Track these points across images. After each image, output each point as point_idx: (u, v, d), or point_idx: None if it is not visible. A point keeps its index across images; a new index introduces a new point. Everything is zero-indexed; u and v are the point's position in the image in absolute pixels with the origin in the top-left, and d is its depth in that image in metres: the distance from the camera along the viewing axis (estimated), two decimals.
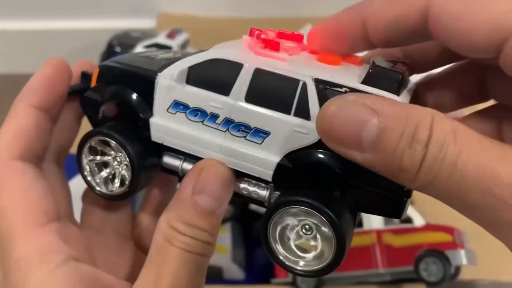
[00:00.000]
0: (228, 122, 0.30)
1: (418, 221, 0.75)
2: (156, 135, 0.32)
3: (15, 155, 0.30)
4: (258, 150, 0.29)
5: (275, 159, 0.29)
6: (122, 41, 1.04)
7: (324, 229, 0.28)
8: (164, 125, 0.32)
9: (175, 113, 0.31)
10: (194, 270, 0.29)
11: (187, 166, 0.32)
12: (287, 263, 0.29)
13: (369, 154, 0.23)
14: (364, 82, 0.27)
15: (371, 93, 0.26)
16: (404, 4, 0.26)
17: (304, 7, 1.23)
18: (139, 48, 1.01)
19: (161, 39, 1.02)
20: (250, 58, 0.30)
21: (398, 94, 0.27)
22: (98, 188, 0.34)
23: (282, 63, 0.29)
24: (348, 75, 0.28)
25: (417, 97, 0.31)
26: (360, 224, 0.72)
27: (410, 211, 0.77)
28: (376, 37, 0.28)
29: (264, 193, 0.30)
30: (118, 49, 1.03)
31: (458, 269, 0.75)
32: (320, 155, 0.28)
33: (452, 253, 0.71)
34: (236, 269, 0.78)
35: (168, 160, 0.32)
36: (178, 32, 1.04)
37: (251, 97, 0.29)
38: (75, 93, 0.35)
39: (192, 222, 0.29)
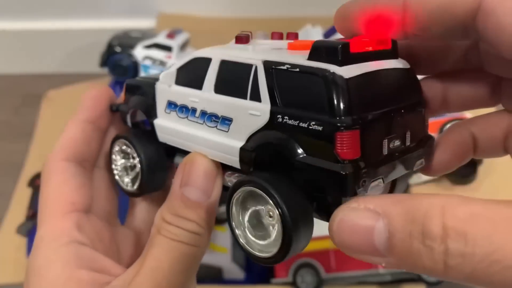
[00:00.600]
0: (203, 114, 0.31)
1: None
2: (161, 136, 0.35)
3: (62, 157, 0.35)
4: (226, 138, 0.30)
5: (238, 144, 0.29)
6: (122, 41, 1.04)
7: (276, 212, 0.26)
8: (163, 125, 0.34)
9: (170, 113, 0.34)
10: (179, 258, 0.30)
11: None
12: (247, 247, 0.28)
13: (389, 258, 0.22)
14: (310, 57, 0.26)
15: (306, 65, 0.25)
16: None
17: (304, 7, 1.23)
18: (139, 48, 1.01)
19: (161, 39, 1.02)
20: (219, 53, 0.31)
21: (340, 65, 0.25)
22: (121, 185, 0.37)
23: (242, 52, 0.30)
24: (303, 55, 0.27)
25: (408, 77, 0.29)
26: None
27: None
28: (415, 25, 0.25)
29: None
30: (118, 49, 1.03)
31: None
32: (270, 135, 0.27)
33: None
34: (236, 269, 0.78)
35: (177, 160, 0.34)
36: (178, 32, 1.04)
37: (219, 88, 0.30)
38: (117, 110, 0.39)
39: (179, 212, 0.30)
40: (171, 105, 0.33)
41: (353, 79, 0.25)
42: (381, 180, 0.25)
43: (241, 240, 0.28)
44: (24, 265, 0.51)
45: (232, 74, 0.30)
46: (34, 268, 0.31)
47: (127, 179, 0.37)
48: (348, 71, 0.25)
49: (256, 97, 0.28)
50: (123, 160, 0.37)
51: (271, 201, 0.26)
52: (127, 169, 0.37)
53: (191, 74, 0.32)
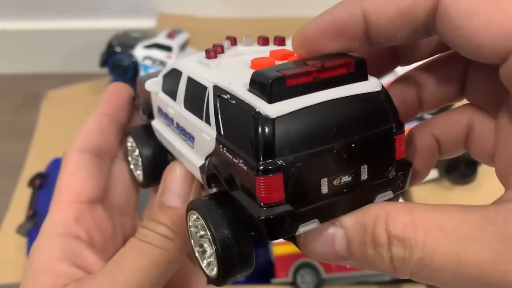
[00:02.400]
0: (177, 126, 0.32)
1: None
2: (157, 136, 0.36)
3: (77, 148, 0.36)
4: (192, 153, 0.30)
5: (199, 163, 0.29)
6: (122, 41, 1.04)
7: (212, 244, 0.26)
8: (157, 128, 0.35)
9: (160, 117, 0.35)
10: (144, 260, 0.30)
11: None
12: (201, 264, 0.28)
13: (351, 261, 0.24)
14: (249, 88, 0.25)
15: (241, 99, 0.24)
16: None
17: (304, 7, 1.23)
18: (139, 48, 1.01)
19: (161, 39, 1.02)
20: (188, 67, 0.30)
21: (269, 102, 0.23)
22: (135, 176, 0.38)
23: (205, 71, 0.29)
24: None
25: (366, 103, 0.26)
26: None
27: None
28: (378, 32, 0.25)
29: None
30: (118, 49, 1.03)
31: None
32: (216, 162, 0.26)
33: None
34: None
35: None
36: (178, 32, 1.04)
37: (186, 103, 0.30)
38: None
39: (153, 217, 0.32)
40: (160, 110, 0.34)
41: (283, 117, 0.23)
42: (316, 221, 0.24)
43: (199, 258, 0.28)
44: (24, 265, 0.51)
45: (194, 92, 0.29)
46: (30, 254, 0.33)
47: (138, 171, 0.38)
48: (278, 109, 0.23)
49: (208, 120, 0.27)
50: (136, 152, 0.38)
51: (208, 232, 0.26)
52: (138, 161, 0.38)
53: (170, 84, 0.32)
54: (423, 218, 0.22)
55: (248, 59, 0.27)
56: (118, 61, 1.02)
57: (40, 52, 1.31)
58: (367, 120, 0.25)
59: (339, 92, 0.24)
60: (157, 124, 0.35)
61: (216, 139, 0.26)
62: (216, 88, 0.26)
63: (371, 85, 0.25)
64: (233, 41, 0.31)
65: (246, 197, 0.24)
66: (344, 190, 0.24)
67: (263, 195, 0.23)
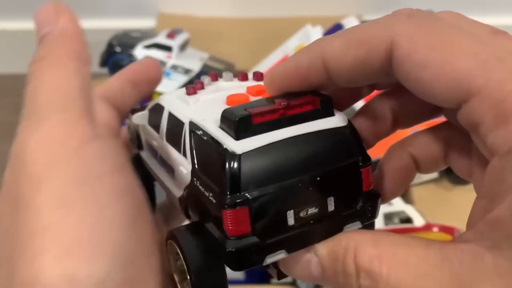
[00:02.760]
0: (161, 159, 0.32)
1: (418, 221, 0.75)
2: (145, 165, 0.36)
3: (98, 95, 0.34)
4: (172, 184, 0.31)
5: (178, 194, 0.30)
6: (122, 41, 1.04)
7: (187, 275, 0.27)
8: (144, 158, 0.36)
9: (147, 148, 0.36)
10: None
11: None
12: None
13: (327, 285, 0.25)
14: (220, 125, 0.26)
15: (209, 137, 0.25)
16: (366, 45, 0.24)
17: (304, 7, 1.23)
18: (139, 48, 1.01)
19: (161, 39, 1.02)
20: (169, 103, 0.32)
21: (236, 139, 0.24)
22: None
23: (184, 106, 0.30)
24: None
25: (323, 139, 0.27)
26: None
27: (410, 211, 0.77)
28: (339, 79, 0.26)
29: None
30: (118, 49, 1.03)
31: None
32: (192, 192, 0.27)
33: None
34: None
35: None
36: (178, 32, 1.04)
37: (168, 137, 0.31)
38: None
39: None
40: (146, 142, 0.35)
41: (248, 154, 0.24)
42: (283, 252, 0.25)
43: (178, 285, 0.29)
44: None
45: (174, 127, 0.30)
46: None
47: None
48: (244, 145, 0.24)
49: (184, 154, 0.28)
50: None
51: (184, 264, 0.27)
52: None
53: (154, 117, 0.33)
54: (388, 252, 0.23)
55: (225, 95, 0.28)
56: (118, 61, 1.02)
57: None
58: (333, 154, 0.26)
59: (304, 128, 0.25)
60: (145, 155, 0.36)
61: (192, 171, 0.27)
62: (191, 124, 0.28)
63: (336, 120, 0.26)
64: (214, 77, 0.33)
65: (215, 229, 0.25)
66: (311, 222, 0.25)
67: (230, 227, 0.24)
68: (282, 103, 0.25)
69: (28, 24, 1.42)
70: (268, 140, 0.25)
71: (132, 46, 1.02)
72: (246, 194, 0.24)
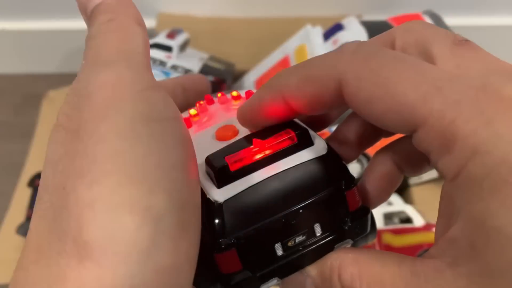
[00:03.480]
0: None
1: (418, 221, 0.75)
2: None
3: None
4: None
5: None
6: None
7: None
8: None
9: None
10: None
11: None
12: None
13: None
14: (206, 171, 0.27)
15: (205, 188, 0.26)
16: (317, 84, 0.25)
17: (304, 7, 1.23)
18: None
19: (161, 39, 1.02)
20: None
21: (218, 187, 0.26)
22: None
23: None
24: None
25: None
26: None
27: (410, 211, 0.77)
28: (301, 110, 0.27)
29: None
30: None
31: None
32: None
33: None
34: None
35: None
36: (178, 32, 1.04)
37: None
38: None
39: None
40: None
41: (230, 200, 0.25)
42: (275, 279, 0.27)
43: None
44: None
45: None
46: None
47: None
48: (226, 193, 0.26)
49: None
50: None
51: None
52: None
53: None
54: (366, 271, 0.24)
55: (216, 128, 0.30)
56: None
57: (40, 52, 1.31)
58: (314, 184, 0.27)
59: (283, 165, 0.27)
60: None
61: None
62: None
63: (315, 150, 0.27)
64: (210, 101, 0.34)
65: (213, 269, 0.27)
66: (300, 248, 0.27)
67: (223, 268, 0.26)
68: (257, 147, 0.27)
69: (28, 24, 1.41)
70: (247, 184, 0.26)
71: None
72: (232, 238, 0.25)
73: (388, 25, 0.89)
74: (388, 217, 0.76)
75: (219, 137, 0.29)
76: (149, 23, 1.25)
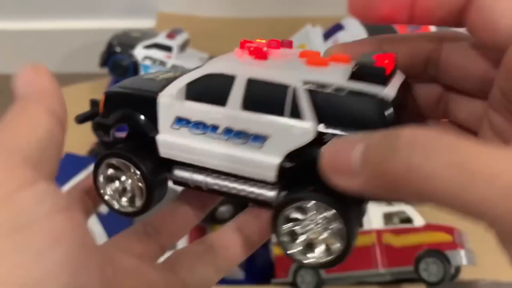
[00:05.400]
0: (228, 131, 0.32)
1: (418, 221, 0.75)
2: (164, 151, 0.34)
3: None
4: (259, 154, 0.31)
5: (276, 160, 0.30)
6: (122, 41, 1.04)
7: (334, 223, 0.29)
8: (169, 141, 0.33)
9: (179, 129, 0.33)
10: None
11: (197, 177, 0.34)
12: (297, 257, 0.30)
13: (361, 174, 0.24)
14: (351, 78, 0.28)
15: (355, 90, 0.28)
16: None
17: (304, 7, 1.23)
18: (139, 48, 1.01)
19: (161, 39, 1.02)
20: (242, 69, 0.31)
21: (384, 85, 0.28)
22: (116, 206, 0.35)
23: (271, 70, 0.31)
24: (336, 74, 0.29)
25: (409, 88, 0.32)
26: (360, 224, 0.72)
27: (410, 211, 0.77)
28: (421, 9, 0.28)
29: (272, 194, 0.32)
30: (118, 49, 1.03)
31: (458, 269, 0.75)
32: (315, 152, 0.28)
33: (452, 253, 0.71)
34: (236, 269, 0.78)
35: (178, 173, 0.34)
36: (178, 32, 1.04)
37: (247, 105, 0.31)
38: (85, 120, 0.37)
39: None
40: (182, 121, 0.33)
41: (394, 98, 0.28)
42: None
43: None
44: None
45: (263, 93, 0.31)
46: None
47: (124, 200, 0.35)
48: (389, 92, 0.28)
49: (296, 115, 0.30)
50: (116, 183, 0.35)
51: (337, 213, 0.29)
52: (118, 190, 0.35)
53: (207, 90, 0.32)
54: (450, 134, 0.23)
55: (294, 58, 0.32)
56: (118, 61, 1.02)
57: (40, 52, 1.31)
58: (411, 99, 0.31)
59: (399, 78, 0.30)
60: (172, 137, 0.33)
61: (318, 130, 0.29)
62: (309, 83, 0.29)
63: (402, 75, 0.31)
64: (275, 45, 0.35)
65: None
66: None
67: None
68: (385, 60, 0.29)
69: (28, 24, 1.42)
70: (395, 87, 0.29)
71: (132, 46, 1.02)
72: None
73: (389, 25, 0.89)
74: (388, 217, 0.76)
75: (311, 62, 0.31)
76: (149, 23, 1.25)
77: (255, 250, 0.35)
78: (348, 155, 0.25)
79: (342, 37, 0.90)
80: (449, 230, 0.73)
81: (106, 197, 0.35)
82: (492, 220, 0.22)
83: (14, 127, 0.25)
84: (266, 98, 0.31)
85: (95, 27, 1.27)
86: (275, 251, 0.78)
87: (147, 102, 0.34)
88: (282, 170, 0.30)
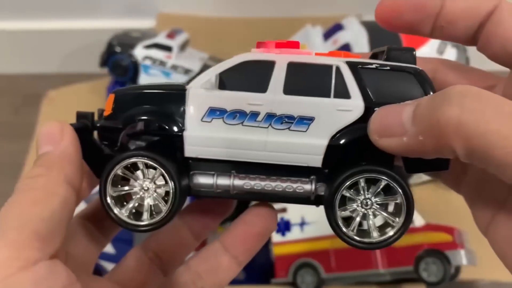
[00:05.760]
0: (270, 117, 0.31)
1: (418, 221, 0.75)
2: (191, 149, 0.32)
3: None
4: (304, 137, 0.31)
5: (324, 142, 0.31)
6: (122, 41, 1.04)
7: (395, 198, 0.31)
8: (200, 136, 0.31)
9: (211, 121, 0.31)
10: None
11: (222, 181, 0.32)
12: (355, 239, 0.31)
13: (411, 129, 0.26)
14: (387, 59, 0.31)
15: (396, 64, 0.31)
16: None
17: (304, 7, 1.23)
18: (139, 48, 1.01)
19: (161, 39, 1.02)
20: (279, 56, 0.32)
21: (415, 64, 0.31)
22: (128, 221, 0.31)
23: (309, 56, 0.32)
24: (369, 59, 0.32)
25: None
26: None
27: None
28: (446, 16, 0.30)
29: (309, 186, 0.32)
30: (118, 49, 1.03)
31: (458, 269, 0.75)
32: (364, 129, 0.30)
33: (452, 253, 0.71)
34: None
35: (200, 180, 0.32)
36: (178, 32, 1.04)
37: (289, 89, 0.31)
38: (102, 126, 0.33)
39: None
40: (215, 112, 0.31)
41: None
42: None
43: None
44: None
45: (305, 75, 0.32)
46: None
47: (126, 212, 0.32)
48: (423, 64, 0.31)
49: (342, 94, 0.31)
50: (125, 188, 0.32)
51: (398, 188, 0.31)
52: (122, 200, 0.32)
53: (244, 77, 0.32)
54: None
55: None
56: (118, 61, 1.02)
57: (40, 52, 1.31)
58: None
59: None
60: (203, 131, 0.31)
61: (366, 106, 0.31)
62: (352, 63, 0.31)
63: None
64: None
65: None
66: None
67: None
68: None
69: (28, 24, 1.41)
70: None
71: (132, 46, 1.02)
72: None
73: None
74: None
75: (331, 55, 0.33)
76: (149, 23, 1.25)
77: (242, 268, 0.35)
78: (398, 116, 0.27)
79: (342, 37, 0.90)
80: (449, 230, 0.73)
81: (116, 211, 0.31)
82: None
83: (32, 197, 0.26)
84: (309, 80, 0.31)
85: (95, 27, 1.27)
86: (275, 251, 0.78)
87: (172, 97, 0.32)
88: (329, 152, 0.31)
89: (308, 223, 0.77)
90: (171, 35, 1.03)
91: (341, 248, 0.73)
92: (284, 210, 0.79)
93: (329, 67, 0.31)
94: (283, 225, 0.78)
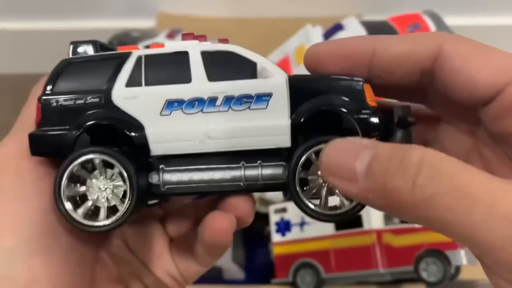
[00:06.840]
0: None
1: None
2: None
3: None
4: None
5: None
6: (122, 41, 1.04)
7: None
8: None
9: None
10: None
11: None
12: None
13: (363, 183, 0.24)
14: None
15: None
16: (417, 42, 0.28)
17: (304, 7, 1.23)
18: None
19: (161, 39, 1.01)
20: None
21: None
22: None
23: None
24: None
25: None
26: (360, 224, 0.72)
27: None
28: (381, 65, 0.29)
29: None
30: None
31: (458, 269, 0.75)
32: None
33: (452, 253, 0.71)
34: (236, 269, 0.78)
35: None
36: (178, 32, 1.04)
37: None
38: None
39: None
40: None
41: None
42: None
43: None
44: None
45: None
46: None
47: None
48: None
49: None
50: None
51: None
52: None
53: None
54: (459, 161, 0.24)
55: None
56: None
57: (40, 52, 1.30)
58: None
59: None
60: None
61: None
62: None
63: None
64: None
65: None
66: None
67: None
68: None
69: (28, 24, 1.41)
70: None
71: None
72: None
73: (388, 25, 0.89)
74: (388, 217, 0.76)
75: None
76: (149, 23, 1.25)
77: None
78: (352, 161, 0.24)
79: (342, 37, 0.90)
80: None
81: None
82: (487, 247, 0.22)
83: None
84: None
85: (95, 27, 1.27)
86: (275, 251, 0.78)
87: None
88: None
89: (308, 223, 0.77)
90: (171, 35, 1.03)
91: (341, 248, 0.73)
92: (284, 210, 0.79)
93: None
94: (283, 225, 0.79)
